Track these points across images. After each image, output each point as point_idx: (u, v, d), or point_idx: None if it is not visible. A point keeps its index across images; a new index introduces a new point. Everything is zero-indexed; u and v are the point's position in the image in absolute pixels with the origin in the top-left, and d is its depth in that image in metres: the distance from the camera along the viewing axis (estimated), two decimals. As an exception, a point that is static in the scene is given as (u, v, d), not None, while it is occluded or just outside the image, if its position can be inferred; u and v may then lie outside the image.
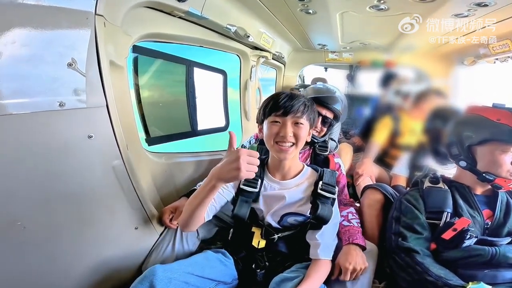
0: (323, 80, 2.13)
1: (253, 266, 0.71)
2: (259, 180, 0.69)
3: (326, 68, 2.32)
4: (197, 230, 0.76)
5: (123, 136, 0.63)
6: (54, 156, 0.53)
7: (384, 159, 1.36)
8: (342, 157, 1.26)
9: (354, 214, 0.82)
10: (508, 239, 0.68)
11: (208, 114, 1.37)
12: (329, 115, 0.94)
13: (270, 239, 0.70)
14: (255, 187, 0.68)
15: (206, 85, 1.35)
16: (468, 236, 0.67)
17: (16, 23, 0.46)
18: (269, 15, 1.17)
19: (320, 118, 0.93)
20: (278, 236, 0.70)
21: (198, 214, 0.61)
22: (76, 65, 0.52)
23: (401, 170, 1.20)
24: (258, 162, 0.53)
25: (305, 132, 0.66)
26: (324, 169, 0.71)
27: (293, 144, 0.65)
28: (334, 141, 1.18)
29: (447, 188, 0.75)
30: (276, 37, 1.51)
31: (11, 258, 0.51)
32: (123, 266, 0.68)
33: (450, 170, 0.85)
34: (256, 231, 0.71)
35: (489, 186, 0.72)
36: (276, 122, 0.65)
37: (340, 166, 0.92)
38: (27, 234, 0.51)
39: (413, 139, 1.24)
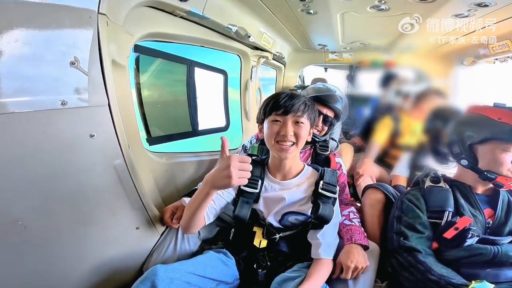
0: (323, 81, 2.14)
1: (255, 266, 0.70)
2: (260, 181, 0.69)
3: (326, 69, 2.33)
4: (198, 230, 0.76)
5: (124, 136, 0.63)
6: (56, 155, 0.53)
7: (384, 159, 1.37)
8: (343, 157, 1.26)
9: (355, 214, 0.82)
10: (509, 238, 0.68)
11: (209, 114, 1.37)
12: (330, 114, 0.94)
13: (272, 238, 0.70)
14: (256, 188, 0.68)
15: (207, 85, 1.36)
16: (470, 235, 0.67)
17: (18, 22, 0.46)
18: (270, 15, 1.18)
19: (321, 117, 0.93)
20: (280, 236, 0.70)
21: (197, 217, 0.62)
22: (79, 64, 0.52)
23: (401, 170, 1.20)
24: (250, 168, 0.53)
25: (306, 132, 0.66)
26: (325, 168, 0.71)
27: (294, 143, 0.65)
28: (335, 140, 1.18)
29: (448, 187, 0.75)
30: (277, 37, 1.52)
31: (12, 258, 0.51)
32: (125, 266, 0.68)
33: (450, 170, 0.85)
34: (258, 231, 0.71)
35: (490, 185, 0.72)
36: (277, 121, 0.65)
37: (341, 165, 0.92)
38: (28, 234, 0.51)
39: (414, 139, 1.24)
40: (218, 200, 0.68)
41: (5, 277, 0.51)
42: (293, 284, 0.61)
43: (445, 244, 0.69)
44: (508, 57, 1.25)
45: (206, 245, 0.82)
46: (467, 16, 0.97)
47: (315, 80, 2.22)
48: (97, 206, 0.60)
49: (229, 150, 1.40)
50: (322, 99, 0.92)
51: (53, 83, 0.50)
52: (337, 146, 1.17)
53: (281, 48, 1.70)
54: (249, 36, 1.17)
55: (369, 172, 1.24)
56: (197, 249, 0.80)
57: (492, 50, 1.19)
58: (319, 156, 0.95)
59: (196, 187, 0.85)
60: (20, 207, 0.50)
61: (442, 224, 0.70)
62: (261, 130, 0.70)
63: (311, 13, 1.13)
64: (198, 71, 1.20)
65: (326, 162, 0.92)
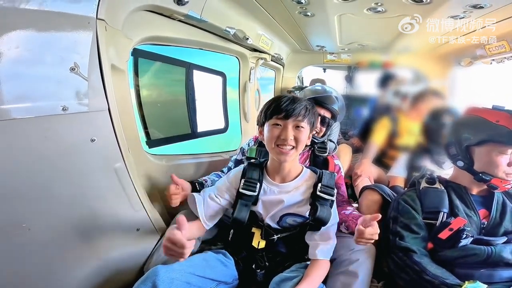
0: (322, 81, 2.14)
1: (253, 266, 0.71)
2: (258, 184, 0.70)
3: (324, 69, 2.33)
4: None
5: (124, 139, 0.64)
6: (58, 160, 0.54)
7: (382, 160, 1.37)
8: (341, 158, 1.27)
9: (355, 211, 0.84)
10: (504, 239, 0.69)
11: (208, 116, 1.38)
12: (327, 114, 0.95)
13: (270, 239, 0.71)
14: (254, 191, 0.69)
15: (206, 87, 1.36)
16: (464, 236, 0.68)
17: (19, 28, 0.47)
18: (268, 18, 1.18)
19: (319, 118, 0.94)
20: (278, 237, 0.71)
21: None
22: (79, 70, 0.53)
23: (399, 171, 1.21)
24: (180, 253, 0.52)
25: (306, 136, 0.67)
26: (323, 171, 0.72)
27: (293, 147, 0.66)
28: (333, 142, 1.19)
29: (443, 188, 0.76)
30: (275, 39, 1.52)
31: (17, 259, 0.52)
32: (125, 267, 0.69)
33: (447, 171, 0.86)
34: (256, 232, 0.72)
35: (485, 186, 0.73)
36: (277, 125, 0.65)
37: (340, 168, 0.93)
38: (31, 236, 0.52)
39: (411, 140, 1.25)
40: (216, 207, 0.69)
41: (10, 277, 0.52)
42: (290, 284, 0.62)
43: (440, 245, 0.70)
44: (505, 58, 1.26)
45: (205, 245, 0.83)
46: (463, 17, 0.98)
47: (314, 81, 2.23)
48: (98, 209, 0.61)
49: (228, 151, 1.41)
50: (319, 100, 0.93)
51: (53, 89, 0.51)
52: (335, 147, 1.18)
53: (279, 49, 1.71)
54: (247, 38, 1.18)
55: (367, 173, 1.24)
56: (197, 250, 0.81)
57: (489, 51, 1.20)
58: (317, 158, 0.95)
59: (199, 180, 0.86)
60: (24, 210, 0.51)
61: (437, 224, 0.71)
62: (261, 132, 0.71)
63: (308, 15, 1.13)
64: (196, 74, 1.21)
65: (325, 164, 0.93)
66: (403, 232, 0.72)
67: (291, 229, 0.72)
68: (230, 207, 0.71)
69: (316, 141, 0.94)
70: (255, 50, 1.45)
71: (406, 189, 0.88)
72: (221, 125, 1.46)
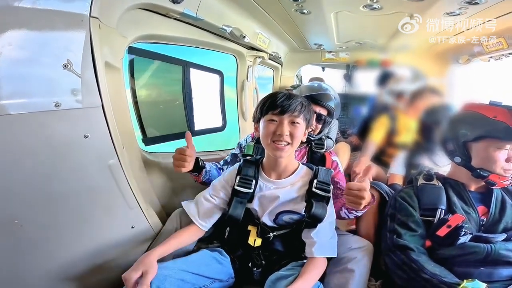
0: (321, 80, 2.13)
1: (250, 264, 0.71)
2: (254, 181, 0.70)
3: (323, 68, 2.34)
4: None
5: (118, 136, 0.64)
6: (51, 156, 0.54)
7: (381, 158, 1.37)
8: (340, 156, 1.26)
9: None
10: (503, 236, 0.68)
11: (206, 115, 1.38)
12: (323, 112, 0.94)
13: (266, 237, 0.71)
14: (250, 188, 0.69)
15: (203, 86, 1.37)
16: (463, 233, 0.67)
17: (12, 26, 0.47)
18: (265, 16, 1.19)
19: (314, 115, 0.93)
20: (274, 235, 0.71)
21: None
22: (72, 66, 0.53)
23: (397, 168, 1.21)
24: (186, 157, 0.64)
25: (301, 132, 0.67)
26: (319, 167, 0.72)
27: (289, 143, 0.65)
28: (331, 139, 1.18)
29: (441, 185, 0.75)
30: (272, 38, 1.53)
31: (8, 256, 0.52)
32: (120, 265, 0.68)
33: (445, 168, 0.85)
34: (252, 230, 0.72)
35: (483, 183, 0.72)
36: (273, 120, 0.65)
37: (337, 164, 0.92)
38: (24, 233, 0.52)
39: (410, 138, 1.24)
40: (210, 206, 0.69)
41: (2, 274, 0.52)
42: (286, 282, 0.61)
43: (438, 242, 0.69)
44: (503, 55, 1.25)
45: (202, 244, 0.82)
46: (458, 14, 0.98)
47: (313, 80, 2.23)
48: (91, 206, 0.61)
49: (226, 150, 1.41)
50: (315, 98, 0.92)
51: (46, 85, 0.51)
52: (333, 144, 1.17)
53: (277, 48, 1.71)
54: (244, 37, 1.18)
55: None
56: (193, 248, 0.80)
57: (486, 48, 1.19)
58: (314, 155, 0.95)
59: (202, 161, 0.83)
60: (17, 206, 0.51)
61: (434, 222, 0.70)
62: (257, 129, 0.71)
63: (304, 13, 1.14)
64: (194, 72, 1.21)
65: (322, 160, 0.92)
66: (401, 229, 0.71)
67: (287, 227, 0.72)
68: (226, 206, 0.71)
69: (312, 138, 0.93)
70: (252, 48, 1.45)
71: (404, 186, 0.88)
72: (219, 124, 1.46)
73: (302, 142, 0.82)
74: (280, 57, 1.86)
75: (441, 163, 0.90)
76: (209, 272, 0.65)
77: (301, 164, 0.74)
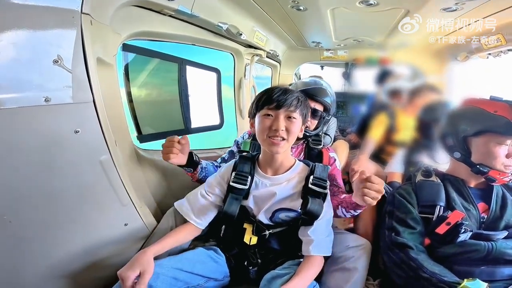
0: (319, 78, 2.13)
1: (245, 263, 0.70)
2: (249, 177, 0.69)
3: (322, 67, 2.33)
4: None
5: (110, 132, 0.63)
6: (41, 150, 0.53)
7: (380, 156, 1.35)
8: (338, 154, 1.24)
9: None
10: (504, 233, 0.66)
11: (202, 113, 1.37)
12: (318, 107, 0.93)
13: (262, 235, 0.70)
14: (245, 184, 0.68)
15: (201, 83, 1.36)
16: (463, 230, 0.65)
17: (2, 22, 0.47)
18: (261, 13, 1.18)
19: (309, 111, 0.92)
20: (270, 233, 0.70)
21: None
22: (62, 62, 0.53)
23: (396, 166, 1.19)
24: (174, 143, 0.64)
25: (298, 127, 0.66)
26: (316, 163, 0.71)
27: (285, 138, 0.64)
28: (329, 136, 1.17)
29: (439, 181, 0.74)
30: (270, 35, 1.52)
31: (-4, 253, 0.51)
32: (113, 263, 0.67)
33: (444, 166, 0.84)
34: (248, 228, 0.71)
35: (483, 179, 0.71)
36: (269, 115, 0.64)
37: (335, 160, 0.90)
38: (13, 228, 0.51)
39: (408, 135, 1.23)
40: (205, 203, 0.68)
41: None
42: (281, 281, 0.60)
43: (438, 240, 0.68)
44: (501, 51, 1.24)
45: (198, 242, 0.81)
46: (455, 10, 0.97)
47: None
48: (83, 202, 0.60)
49: (224, 148, 1.40)
50: (310, 92, 0.90)
51: (36, 80, 0.51)
52: (331, 141, 1.16)
53: (275, 46, 1.70)
54: (241, 34, 1.18)
55: (364, 169, 1.22)
56: (188, 247, 0.79)
57: (484, 45, 1.18)
58: (312, 151, 0.94)
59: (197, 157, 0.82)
60: (5, 201, 0.50)
61: (433, 219, 0.69)
62: (252, 124, 0.70)
63: (301, 9, 1.13)
64: (191, 70, 1.21)
65: (319, 156, 0.91)
66: (399, 227, 0.70)
67: (283, 225, 0.70)
68: (221, 203, 0.70)
69: (308, 134, 0.92)
70: (250, 46, 1.45)
71: (403, 183, 0.86)
72: (216, 122, 1.45)
73: (299, 138, 0.81)
74: (278, 55, 1.85)
75: (440, 161, 0.89)
76: (203, 271, 0.64)
77: (297, 160, 0.73)
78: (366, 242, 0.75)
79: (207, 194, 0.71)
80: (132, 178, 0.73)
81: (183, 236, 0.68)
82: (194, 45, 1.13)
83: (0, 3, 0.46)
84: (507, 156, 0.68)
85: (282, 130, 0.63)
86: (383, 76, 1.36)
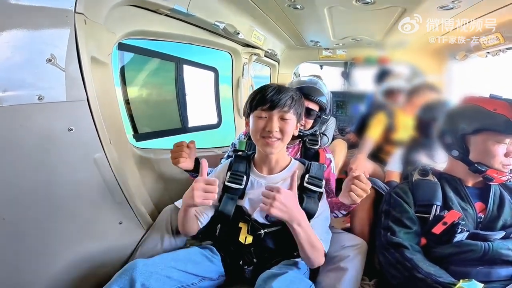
0: (318, 77, 2.12)
1: (241, 262, 0.69)
2: (245, 177, 0.68)
3: (321, 66, 2.32)
4: None
5: (105, 130, 0.63)
6: (34, 148, 0.53)
7: (378, 155, 1.35)
8: (337, 153, 1.25)
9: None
10: (502, 233, 0.66)
11: (200, 111, 1.37)
12: (313, 107, 0.91)
13: (257, 234, 0.69)
14: (241, 184, 0.68)
15: (199, 83, 1.36)
16: (459, 230, 0.65)
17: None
18: (258, 12, 1.18)
19: (304, 110, 0.91)
20: (265, 232, 0.69)
21: (188, 226, 0.67)
22: (56, 61, 0.53)
23: (394, 165, 1.19)
24: (215, 190, 0.58)
25: (292, 127, 0.66)
26: (312, 162, 0.70)
27: (279, 138, 0.64)
28: (326, 136, 1.16)
29: (436, 180, 0.73)
30: (268, 34, 1.52)
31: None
32: (107, 261, 0.67)
33: (442, 165, 0.83)
34: (243, 227, 0.70)
35: (481, 178, 0.70)
36: (263, 116, 0.64)
37: (331, 161, 0.90)
38: (6, 226, 0.52)
39: (407, 135, 1.23)
40: (206, 206, 0.68)
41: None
42: (277, 281, 0.60)
43: (434, 240, 0.67)
44: (500, 50, 1.23)
45: (194, 241, 0.81)
46: (452, 8, 0.96)
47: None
48: (76, 200, 0.60)
49: (222, 147, 1.40)
50: (304, 92, 0.88)
51: (29, 79, 0.51)
52: (328, 141, 1.15)
53: (273, 45, 1.70)
54: (238, 33, 1.17)
55: (362, 168, 1.22)
56: (184, 245, 0.79)
57: (483, 43, 1.17)
58: (308, 151, 0.93)
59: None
60: (-2, 199, 0.51)
61: (430, 218, 0.68)
62: (247, 123, 0.70)
63: (298, 8, 1.12)
64: (189, 69, 1.21)
65: (316, 157, 0.90)
66: (395, 227, 0.69)
67: (279, 224, 0.70)
68: (217, 202, 0.69)
69: (303, 134, 0.91)
70: (248, 45, 1.45)
71: (400, 182, 0.86)
72: (214, 121, 1.45)
73: (295, 138, 0.81)
74: (276, 55, 1.85)
75: (438, 160, 0.88)
76: (197, 270, 0.64)
77: (293, 159, 0.72)
78: (362, 242, 0.74)
79: None
80: (128, 176, 0.73)
81: (194, 220, 0.68)
82: (191, 44, 1.13)
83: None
84: (506, 155, 0.67)
85: (276, 131, 0.63)
86: (382, 76, 1.35)
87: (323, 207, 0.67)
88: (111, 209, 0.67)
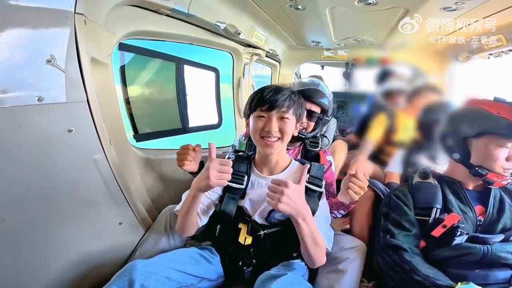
0: (319, 78, 2.12)
1: (240, 263, 0.70)
2: (245, 177, 0.69)
3: (322, 66, 2.31)
4: None
5: (105, 131, 0.63)
6: (34, 149, 0.53)
7: (379, 156, 1.35)
8: (337, 154, 1.24)
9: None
10: (501, 237, 0.66)
11: (201, 112, 1.37)
12: (315, 109, 0.90)
13: (257, 235, 0.69)
14: (242, 184, 0.68)
15: (199, 83, 1.36)
16: (459, 233, 0.65)
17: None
18: (259, 12, 1.17)
19: (305, 112, 0.91)
20: (265, 233, 0.69)
21: (189, 221, 0.64)
22: (55, 62, 0.53)
23: (395, 167, 1.19)
24: (230, 170, 0.57)
25: (291, 127, 0.66)
26: (312, 162, 0.70)
27: (279, 138, 0.64)
28: (327, 138, 1.16)
29: (436, 183, 0.73)
30: (269, 35, 1.51)
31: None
32: (107, 261, 0.68)
33: (443, 167, 0.83)
34: (243, 228, 0.70)
35: (481, 182, 0.70)
36: (262, 117, 0.64)
37: (331, 164, 0.89)
38: (6, 227, 0.52)
39: (408, 136, 1.22)
40: (207, 202, 0.68)
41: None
42: (276, 282, 0.60)
43: (433, 243, 0.67)
44: (502, 51, 1.22)
45: (193, 241, 0.82)
46: (455, 9, 0.95)
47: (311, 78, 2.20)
48: (76, 200, 0.61)
49: (223, 147, 1.39)
50: (306, 94, 0.88)
51: (29, 80, 0.51)
52: (328, 143, 1.15)
53: (274, 45, 1.69)
54: (239, 33, 1.17)
55: (363, 169, 1.22)
56: (183, 246, 0.79)
57: (485, 45, 1.16)
58: (309, 153, 0.93)
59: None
60: (-1, 200, 0.51)
61: (429, 221, 0.68)
62: (247, 124, 0.70)
63: (299, 8, 1.12)
64: (189, 69, 1.20)
65: (316, 159, 0.90)
66: (394, 229, 0.69)
67: (279, 225, 0.70)
68: (218, 202, 0.70)
69: (304, 136, 0.90)
70: (249, 45, 1.44)
71: (400, 184, 0.86)
72: (215, 121, 1.45)
73: (295, 140, 0.80)
74: (277, 55, 1.84)
75: (440, 162, 0.88)
76: (196, 271, 0.64)
77: (293, 160, 0.72)
78: (361, 244, 0.74)
79: (209, 192, 0.70)
80: (128, 177, 0.73)
81: (195, 217, 0.67)
82: (192, 44, 1.12)
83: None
84: (507, 159, 0.66)
85: (275, 131, 0.63)
86: (384, 76, 1.35)
87: (323, 206, 0.67)
88: (111, 210, 0.67)
